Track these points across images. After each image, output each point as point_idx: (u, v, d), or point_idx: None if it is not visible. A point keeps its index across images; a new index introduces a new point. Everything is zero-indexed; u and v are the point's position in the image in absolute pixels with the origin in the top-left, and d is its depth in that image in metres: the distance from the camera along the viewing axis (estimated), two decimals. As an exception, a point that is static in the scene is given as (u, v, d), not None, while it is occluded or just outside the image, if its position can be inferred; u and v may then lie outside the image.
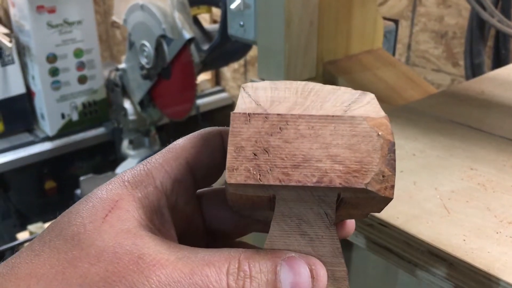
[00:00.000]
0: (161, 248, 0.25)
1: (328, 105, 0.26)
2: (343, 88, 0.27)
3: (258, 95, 0.26)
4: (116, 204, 0.26)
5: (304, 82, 0.27)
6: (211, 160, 0.29)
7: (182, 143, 0.29)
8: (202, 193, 0.31)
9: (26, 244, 0.27)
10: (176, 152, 0.29)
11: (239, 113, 0.25)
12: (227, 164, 0.25)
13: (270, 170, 0.24)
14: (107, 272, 0.24)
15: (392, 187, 0.25)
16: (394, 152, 0.25)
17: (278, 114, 0.25)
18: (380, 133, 0.25)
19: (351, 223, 0.30)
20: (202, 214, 0.31)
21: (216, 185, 0.32)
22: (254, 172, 0.24)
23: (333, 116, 0.25)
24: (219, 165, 0.30)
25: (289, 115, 0.25)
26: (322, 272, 0.26)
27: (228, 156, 0.25)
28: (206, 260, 0.25)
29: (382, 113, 0.25)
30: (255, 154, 0.25)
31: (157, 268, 0.24)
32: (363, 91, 0.27)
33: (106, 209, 0.26)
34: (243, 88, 0.27)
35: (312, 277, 0.25)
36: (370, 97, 0.27)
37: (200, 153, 0.29)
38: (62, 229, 0.26)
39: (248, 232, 0.33)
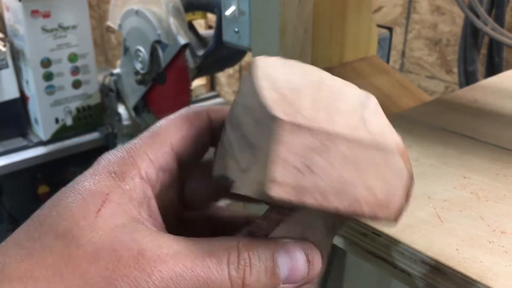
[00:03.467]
0: (159, 242, 0.25)
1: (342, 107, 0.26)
2: (350, 85, 0.27)
3: (275, 81, 0.26)
4: (107, 197, 0.25)
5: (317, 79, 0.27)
6: (197, 143, 0.29)
7: (166, 127, 0.28)
8: None
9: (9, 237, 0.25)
10: (160, 138, 0.28)
11: (285, 120, 0.24)
12: (269, 173, 0.24)
13: (312, 190, 0.24)
14: (107, 271, 0.23)
15: (403, 213, 0.26)
16: (413, 183, 0.26)
17: (324, 131, 0.24)
18: (408, 168, 0.25)
19: None
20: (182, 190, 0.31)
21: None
22: (297, 190, 0.24)
23: (370, 142, 0.25)
24: (205, 147, 0.29)
25: (333, 134, 0.24)
26: (317, 256, 0.27)
27: (272, 166, 0.23)
28: (207, 251, 0.25)
29: (396, 136, 0.26)
30: (300, 171, 0.24)
31: (158, 264, 0.24)
32: (365, 92, 0.27)
33: (98, 203, 0.25)
34: (253, 67, 0.26)
35: (308, 261, 0.26)
36: (374, 102, 0.27)
37: (185, 138, 0.28)
38: (52, 224, 0.24)
39: (223, 198, 0.32)
